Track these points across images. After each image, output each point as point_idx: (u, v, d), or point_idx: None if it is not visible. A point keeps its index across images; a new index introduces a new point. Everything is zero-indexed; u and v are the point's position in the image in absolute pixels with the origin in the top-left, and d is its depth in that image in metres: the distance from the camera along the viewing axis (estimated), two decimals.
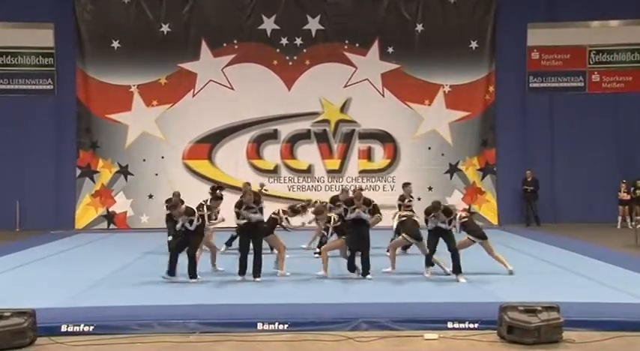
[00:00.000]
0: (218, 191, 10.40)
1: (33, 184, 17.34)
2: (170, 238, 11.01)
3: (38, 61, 17.59)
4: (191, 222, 9.44)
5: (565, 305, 6.94)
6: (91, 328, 6.98)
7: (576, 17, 17.77)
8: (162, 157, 17.61)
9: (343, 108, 17.80)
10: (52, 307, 7.60)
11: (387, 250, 10.52)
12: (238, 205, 9.53)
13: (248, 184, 11.45)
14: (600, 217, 17.36)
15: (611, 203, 17.39)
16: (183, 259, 9.53)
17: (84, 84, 17.44)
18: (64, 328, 6.96)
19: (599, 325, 6.98)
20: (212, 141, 17.66)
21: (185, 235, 9.53)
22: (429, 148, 17.80)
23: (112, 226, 17.46)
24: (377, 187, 17.45)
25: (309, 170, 17.76)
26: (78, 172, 17.48)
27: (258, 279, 9.35)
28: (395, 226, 10.88)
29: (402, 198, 11.94)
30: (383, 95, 17.76)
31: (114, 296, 8.51)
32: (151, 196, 17.37)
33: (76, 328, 6.97)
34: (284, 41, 17.60)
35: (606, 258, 11.25)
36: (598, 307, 7.58)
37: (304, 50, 17.64)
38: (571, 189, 17.88)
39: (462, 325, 7.04)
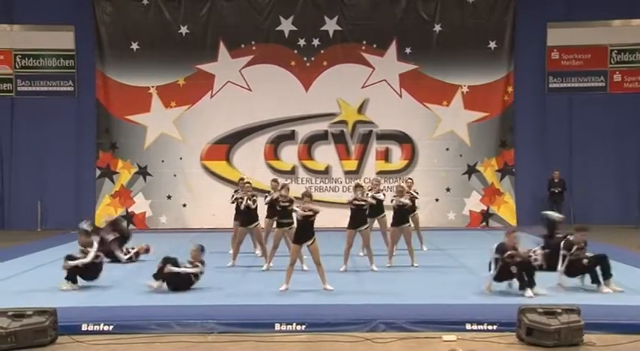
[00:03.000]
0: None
1: (54, 185, 17.55)
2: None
3: (59, 63, 17.80)
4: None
5: (585, 307, 6.87)
6: (111, 327, 7.05)
7: (597, 16, 17.55)
8: (181, 158, 17.71)
9: (361, 109, 17.78)
10: (72, 307, 7.69)
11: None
12: None
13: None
14: (620, 219, 17.16)
15: (632, 205, 17.17)
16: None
17: (104, 85, 17.60)
18: (84, 327, 7.05)
19: (621, 327, 6.91)
20: (230, 142, 17.73)
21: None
22: (447, 149, 17.71)
23: (131, 226, 17.59)
24: (394, 189, 17.38)
25: (326, 171, 17.76)
26: (98, 172, 17.65)
27: None
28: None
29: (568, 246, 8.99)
30: (400, 96, 17.70)
31: (133, 296, 8.58)
32: (169, 197, 17.50)
33: (96, 328, 7.05)
34: (301, 42, 17.62)
35: (627, 260, 11.10)
36: (619, 309, 7.51)
37: (322, 51, 17.65)
38: (591, 190, 17.68)
39: (480, 327, 7.01)
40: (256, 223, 10.96)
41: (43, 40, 17.62)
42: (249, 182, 11.68)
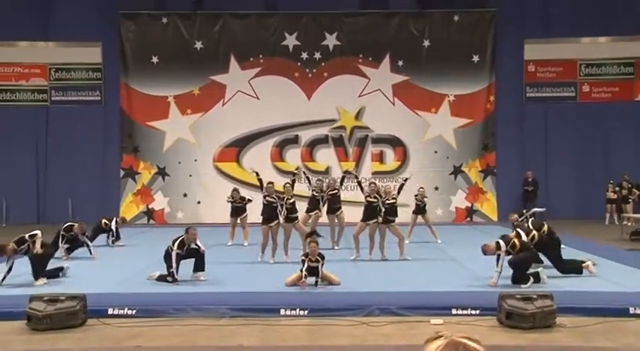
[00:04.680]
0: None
1: (83, 184, 17.59)
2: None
3: (88, 75, 17.86)
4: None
5: (558, 294, 6.90)
6: (134, 311, 7.09)
7: (569, 34, 17.61)
8: (195, 160, 17.75)
9: (358, 115, 17.80)
10: (100, 293, 7.72)
11: None
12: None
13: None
14: (590, 215, 17.18)
15: (599, 202, 17.19)
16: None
17: (127, 95, 17.65)
18: (110, 311, 7.09)
19: (589, 311, 6.95)
20: (240, 145, 17.76)
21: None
22: (435, 152, 17.73)
23: (151, 221, 17.64)
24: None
25: (327, 172, 17.75)
26: (122, 173, 17.70)
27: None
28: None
29: None
30: (393, 104, 17.73)
31: (154, 284, 8.61)
32: (185, 195, 17.54)
33: (121, 312, 7.09)
34: (304, 56, 17.65)
35: (595, 251, 11.12)
36: (587, 295, 7.54)
37: (322, 64, 17.68)
38: (564, 189, 17.71)
39: (464, 312, 7.04)
40: (277, 221, 10.66)
41: (74, 55, 17.71)
42: (271, 183, 11.10)
